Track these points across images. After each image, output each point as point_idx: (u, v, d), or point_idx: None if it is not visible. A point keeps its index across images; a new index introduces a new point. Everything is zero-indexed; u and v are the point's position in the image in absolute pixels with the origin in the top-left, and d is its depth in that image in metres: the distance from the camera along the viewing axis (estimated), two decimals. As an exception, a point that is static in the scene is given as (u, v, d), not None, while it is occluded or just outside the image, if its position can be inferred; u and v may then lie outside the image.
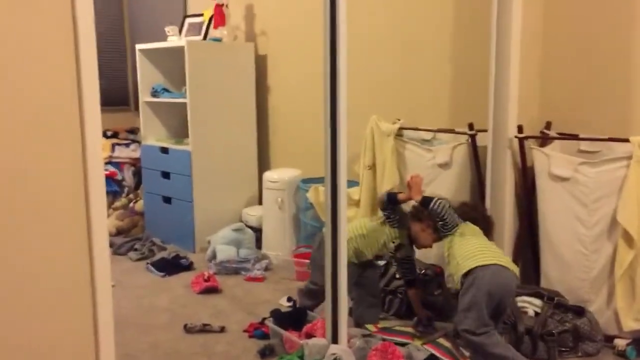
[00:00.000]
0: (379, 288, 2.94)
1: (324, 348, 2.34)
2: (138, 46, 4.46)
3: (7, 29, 1.51)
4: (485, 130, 3.01)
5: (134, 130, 5.21)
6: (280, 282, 3.55)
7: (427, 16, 3.43)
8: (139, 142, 4.81)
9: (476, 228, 2.52)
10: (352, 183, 3.42)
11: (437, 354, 2.43)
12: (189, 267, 3.80)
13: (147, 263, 3.84)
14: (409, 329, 2.68)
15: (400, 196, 2.63)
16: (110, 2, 5.44)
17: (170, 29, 4.36)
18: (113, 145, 4.93)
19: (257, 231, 4.03)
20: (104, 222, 1.74)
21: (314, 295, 2.79)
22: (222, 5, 4.23)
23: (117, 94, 5.47)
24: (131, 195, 4.85)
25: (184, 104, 4.10)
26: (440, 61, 3.37)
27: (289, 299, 3.15)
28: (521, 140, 2.91)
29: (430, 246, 2.64)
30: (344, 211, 2.27)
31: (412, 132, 3.33)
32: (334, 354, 2.29)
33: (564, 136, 2.94)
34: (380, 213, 2.76)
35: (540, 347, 2.51)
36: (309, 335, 2.51)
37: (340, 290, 2.32)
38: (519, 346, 2.47)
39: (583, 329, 2.54)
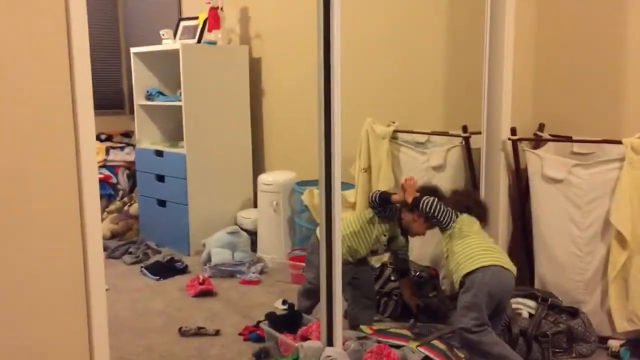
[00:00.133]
0: (373, 289, 2.95)
1: (319, 351, 2.34)
2: (133, 49, 4.46)
3: (0, 32, 1.51)
4: (479, 133, 3.02)
5: (128, 134, 5.21)
6: (276, 285, 3.55)
7: (421, 19, 3.44)
8: (133, 145, 4.80)
9: (473, 220, 2.51)
10: (347, 185, 3.42)
11: (432, 356, 2.43)
12: (183, 270, 3.79)
13: (142, 266, 3.83)
14: (404, 331, 2.68)
15: (394, 197, 2.63)
16: (105, 6, 5.43)
17: (165, 32, 4.36)
18: (107, 149, 4.92)
19: (252, 234, 4.03)
20: (98, 225, 1.73)
21: (312, 294, 2.79)
22: (217, 8, 4.23)
23: (111, 97, 5.47)
24: (126, 199, 4.84)
25: (179, 107, 4.09)
26: (435, 64, 3.38)
27: (284, 302, 3.15)
28: (514, 143, 2.92)
29: (424, 234, 2.66)
30: (339, 214, 2.27)
31: (407, 135, 3.34)
32: (329, 356, 2.29)
33: (557, 138, 2.96)
34: (369, 210, 2.76)
35: (535, 349, 2.52)
36: (304, 338, 2.51)
37: (335, 293, 2.32)
38: (513, 347, 2.47)
39: (577, 330, 2.55)
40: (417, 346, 2.50)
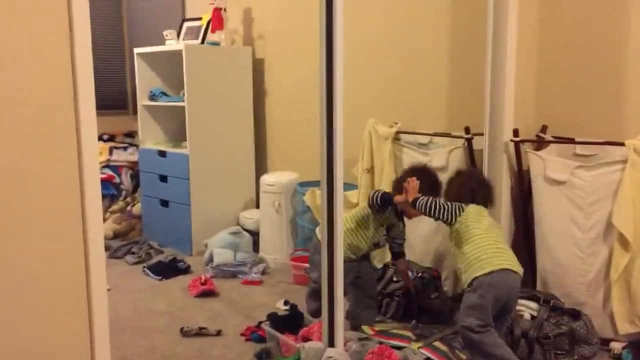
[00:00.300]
0: (376, 290, 2.94)
1: (320, 351, 2.34)
2: (136, 50, 4.47)
3: (2, 31, 1.52)
4: (482, 134, 3.01)
5: (131, 134, 5.22)
6: (277, 286, 3.55)
7: (424, 20, 3.44)
8: (136, 145, 4.81)
9: (479, 210, 2.45)
10: (350, 186, 3.42)
11: (434, 358, 2.43)
12: (186, 270, 3.80)
13: (144, 266, 3.83)
14: (406, 333, 2.68)
15: (397, 198, 2.62)
16: (109, 6, 5.45)
17: (168, 33, 4.37)
18: (111, 149, 4.94)
19: (255, 234, 4.04)
20: (99, 226, 1.74)
21: (319, 295, 2.78)
22: (220, 9, 4.24)
23: (115, 98, 5.48)
24: (129, 199, 4.84)
25: (182, 108, 4.10)
26: (437, 65, 3.38)
27: (286, 303, 3.15)
28: (517, 144, 2.92)
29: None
30: (341, 214, 2.27)
31: (409, 136, 3.34)
32: (330, 357, 2.29)
33: (559, 140, 2.95)
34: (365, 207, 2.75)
35: (536, 351, 2.52)
36: (306, 339, 2.52)
37: (337, 294, 2.32)
38: (515, 349, 2.47)
39: (579, 332, 2.54)
40: (418, 347, 2.50)
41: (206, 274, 3.62)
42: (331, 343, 2.36)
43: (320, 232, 2.39)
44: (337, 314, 2.33)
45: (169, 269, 3.77)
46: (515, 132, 2.91)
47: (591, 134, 2.82)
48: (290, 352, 2.50)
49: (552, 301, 2.64)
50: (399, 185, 2.65)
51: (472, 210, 2.44)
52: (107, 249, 4.00)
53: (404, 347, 2.49)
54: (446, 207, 2.44)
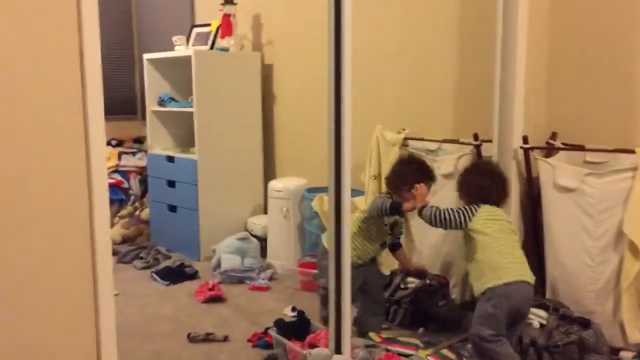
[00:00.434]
0: (383, 296, 2.94)
1: (327, 358, 2.33)
2: (146, 56, 4.50)
3: (11, 33, 1.53)
4: (490, 141, 3.00)
5: (140, 139, 5.24)
6: (285, 292, 3.55)
7: (433, 26, 3.43)
8: (145, 150, 4.83)
9: (492, 211, 2.40)
10: (357, 192, 3.41)
11: (441, 365, 2.42)
12: (193, 275, 3.80)
13: (152, 272, 3.84)
14: (413, 340, 2.66)
15: (406, 206, 2.61)
16: (119, 12, 5.49)
17: (177, 39, 4.40)
18: (120, 154, 4.97)
19: (262, 240, 4.03)
20: (107, 230, 1.74)
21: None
22: (230, 15, 4.26)
23: (124, 103, 5.51)
24: (137, 204, 4.86)
25: (191, 113, 4.12)
26: (445, 71, 3.37)
27: (293, 309, 3.15)
28: (526, 151, 2.90)
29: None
30: (348, 220, 2.26)
31: (417, 143, 3.33)
32: (337, 364, 2.28)
33: (569, 147, 2.93)
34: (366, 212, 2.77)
35: (546, 359, 2.49)
36: (312, 345, 2.50)
37: (344, 300, 2.31)
38: (524, 358, 2.45)
39: (589, 341, 2.52)
40: (426, 355, 2.49)
41: (214, 280, 3.62)
42: (338, 350, 2.35)
43: (326, 239, 2.38)
44: (344, 320, 2.33)
45: (176, 274, 3.78)
46: (525, 139, 2.90)
47: (601, 141, 2.80)
48: (297, 358, 2.49)
49: (561, 309, 2.62)
50: (393, 184, 2.71)
51: (484, 213, 2.41)
52: (115, 253, 4.02)
53: (411, 355, 2.48)
54: (452, 217, 2.41)
